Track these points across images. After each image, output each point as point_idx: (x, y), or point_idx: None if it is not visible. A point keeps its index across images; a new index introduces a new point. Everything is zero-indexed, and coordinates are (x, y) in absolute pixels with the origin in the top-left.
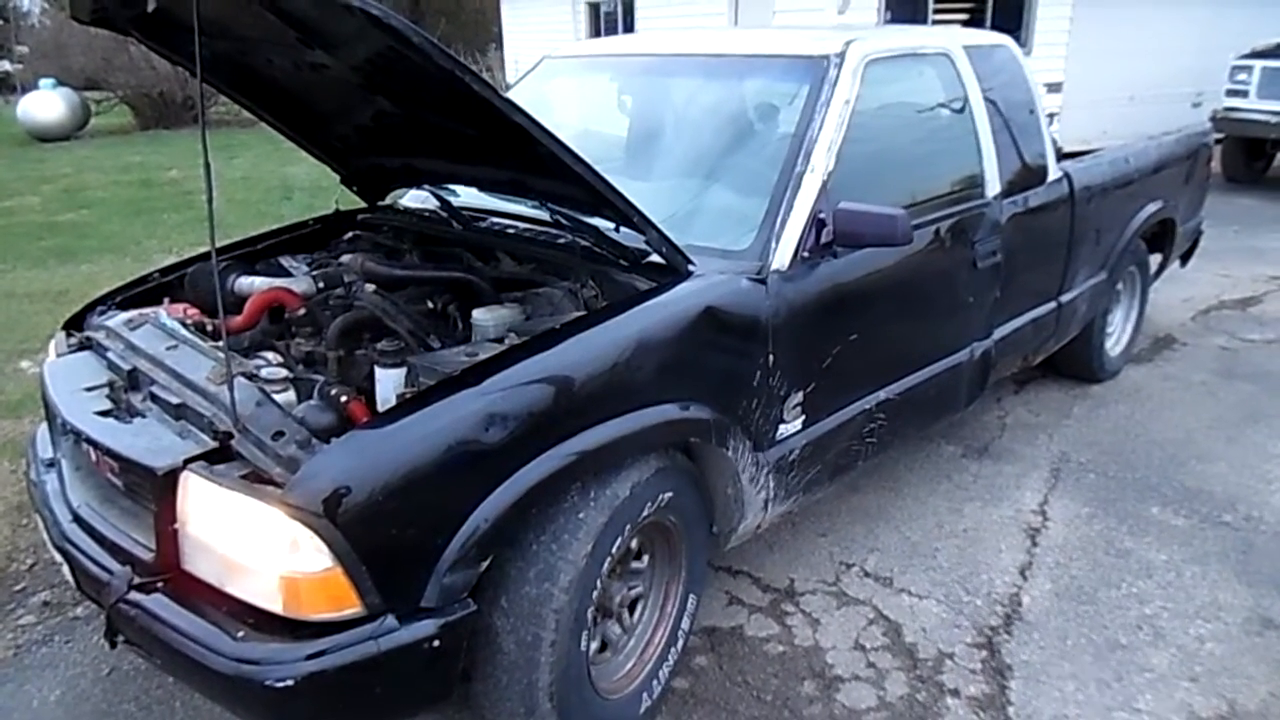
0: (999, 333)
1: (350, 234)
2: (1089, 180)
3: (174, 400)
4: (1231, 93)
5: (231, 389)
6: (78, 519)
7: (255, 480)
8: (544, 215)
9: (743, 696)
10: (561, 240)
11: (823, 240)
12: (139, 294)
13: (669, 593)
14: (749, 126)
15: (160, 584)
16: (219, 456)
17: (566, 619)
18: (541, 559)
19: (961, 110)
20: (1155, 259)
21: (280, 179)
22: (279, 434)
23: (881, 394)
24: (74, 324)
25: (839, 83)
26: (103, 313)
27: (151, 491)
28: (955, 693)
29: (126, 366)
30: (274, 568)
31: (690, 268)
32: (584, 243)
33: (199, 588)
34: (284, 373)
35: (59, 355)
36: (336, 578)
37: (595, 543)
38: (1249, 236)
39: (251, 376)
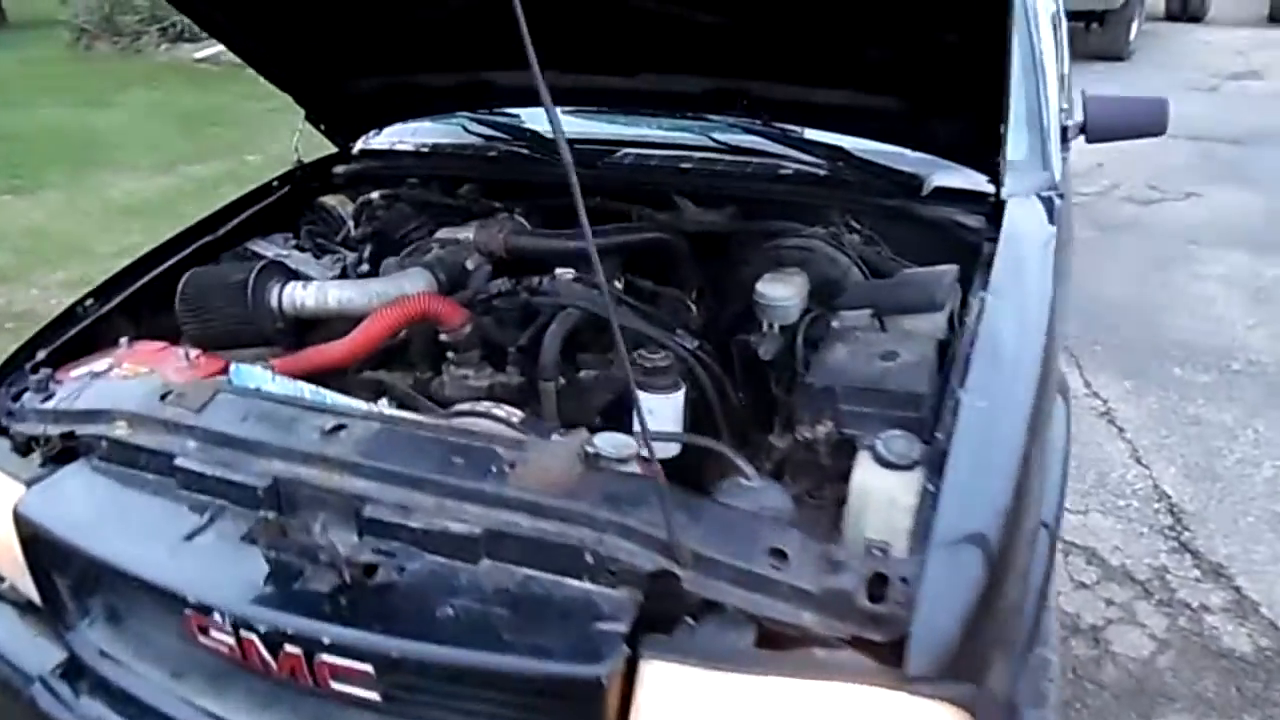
0: None
1: (378, 194)
2: None
3: (445, 526)
4: None
5: (667, 506)
6: None
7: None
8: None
9: None
10: (785, 171)
11: (1068, 138)
12: (73, 337)
13: None
14: None
15: None
16: (662, 619)
17: None
18: None
19: None
20: None
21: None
22: (780, 554)
23: None
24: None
25: None
26: (43, 388)
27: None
28: (1205, 608)
29: (256, 483)
30: None
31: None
32: (847, 172)
33: None
34: (630, 441)
35: (31, 482)
36: None
37: None
38: None
39: (593, 456)
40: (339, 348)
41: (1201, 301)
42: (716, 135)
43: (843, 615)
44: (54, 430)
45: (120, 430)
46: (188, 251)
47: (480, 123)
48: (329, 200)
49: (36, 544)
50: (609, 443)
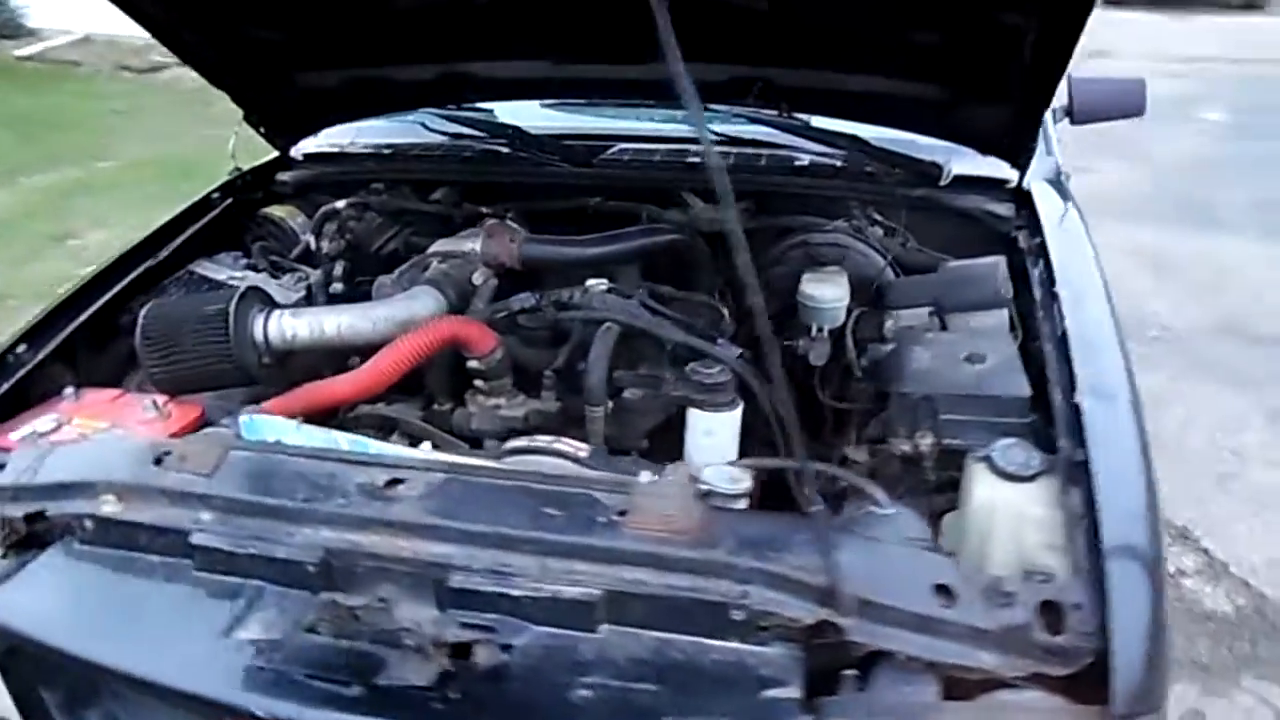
0: None
1: (344, 203)
2: None
3: (556, 591)
4: None
5: (828, 547)
6: None
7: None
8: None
9: None
10: (801, 163)
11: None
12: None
13: None
14: None
15: None
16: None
17: None
18: None
19: None
20: None
21: None
22: (946, 590)
23: None
24: None
25: None
26: None
27: None
28: (1182, 572)
29: (303, 557)
30: None
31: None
32: (867, 162)
33: None
34: (741, 474)
35: None
36: None
37: None
38: None
39: (706, 494)
40: (351, 383)
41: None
42: (714, 126)
43: (1021, 651)
44: (13, 511)
45: (109, 506)
46: (127, 281)
47: (449, 119)
48: (276, 212)
49: (15, 655)
50: (719, 477)
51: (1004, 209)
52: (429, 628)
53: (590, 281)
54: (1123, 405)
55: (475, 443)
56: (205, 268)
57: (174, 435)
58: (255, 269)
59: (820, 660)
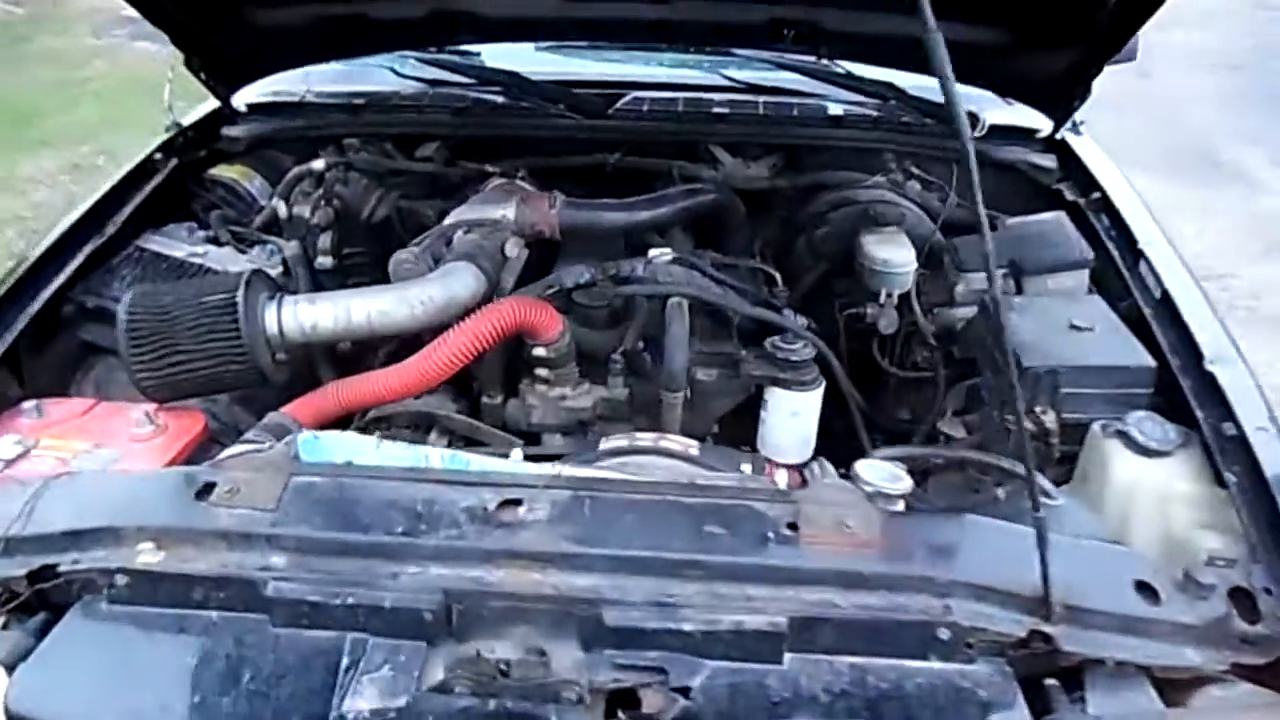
0: None
1: (322, 163)
2: None
3: (737, 621)
4: None
5: (1044, 551)
6: None
7: None
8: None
9: None
10: (836, 113)
11: None
12: None
13: None
14: None
15: None
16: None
17: None
18: None
19: None
20: None
21: None
22: (1148, 588)
23: None
24: None
25: None
26: None
27: None
28: None
29: (418, 603)
30: None
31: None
32: (903, 112)
33: None
34: (898, 471)
35: (10, 661)
36: None
37: None
38: None
39: (873, 496)
40: (399, 379)
41: None
42: (730, 72)
43: (1221, 644)
44: (10, 570)
45: (147, 555)
46: (76, 265)
47: (429, 63)
48: (226, 173)
49: None
50: (879, 475)
51: (1047, 161)
52: (584, 674)
53: (653, 251)
54: (1244, 372)
55: (532, 438)
56: (156, 242)
57: (179, 454)
58: (216, 241)
59: (1027, 673)
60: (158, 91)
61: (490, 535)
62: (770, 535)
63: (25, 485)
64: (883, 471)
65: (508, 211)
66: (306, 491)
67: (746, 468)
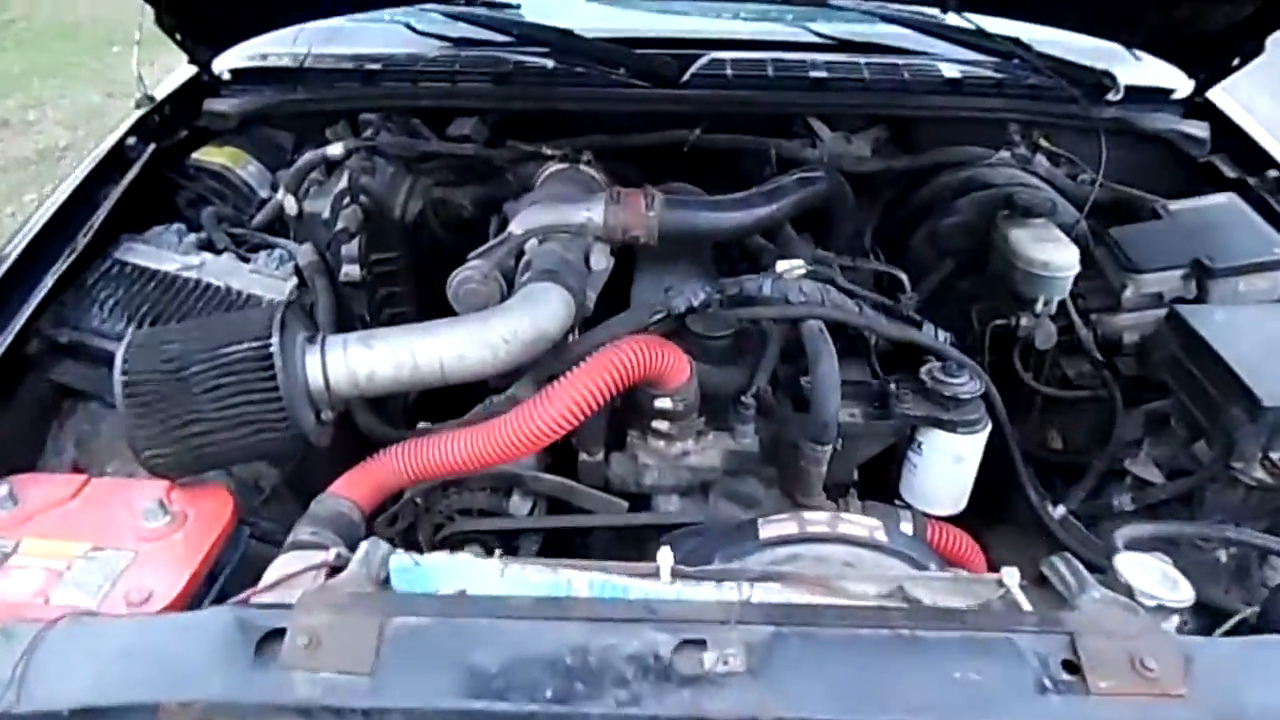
0: None
1: (341, 147)
2: None
3: None
4: None
5: None
6: None
7: None
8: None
9: None
10: (953, 75)
11: None
12: None
13: None
14: None
15: None
16: None
17: None
18: None
19: None
20: None
21: None
22: None
23: None
24: None
25: None
26: None
27: None
28: None
29: None
30: None
31: None
32: (1029, 74)
33: None
34: (1180, 577)
35: None
36: None
37: None
38: None
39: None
40: (489, 442)
41: None
42: (818, 26)
43: None
44: None
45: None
46: (43, 294)
47: (455, 17)
48: (214, 158)
49: None
50: (1154, 581)
51: (1199, 130)
52: None
53: (782, 265)
54: None
55: (640, 501)
56: (139, 253)
57: (207, 556)
58: (213, 248)
59: None
60: (88, 33)
61: (673, 696)
62: (1047, 683)
63: (9, 631)
64: (1153, 572)
65: (594, 213)
66: (412, 642)
67: (907, 528)
